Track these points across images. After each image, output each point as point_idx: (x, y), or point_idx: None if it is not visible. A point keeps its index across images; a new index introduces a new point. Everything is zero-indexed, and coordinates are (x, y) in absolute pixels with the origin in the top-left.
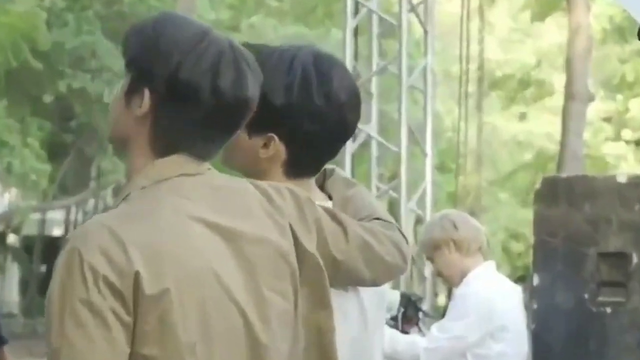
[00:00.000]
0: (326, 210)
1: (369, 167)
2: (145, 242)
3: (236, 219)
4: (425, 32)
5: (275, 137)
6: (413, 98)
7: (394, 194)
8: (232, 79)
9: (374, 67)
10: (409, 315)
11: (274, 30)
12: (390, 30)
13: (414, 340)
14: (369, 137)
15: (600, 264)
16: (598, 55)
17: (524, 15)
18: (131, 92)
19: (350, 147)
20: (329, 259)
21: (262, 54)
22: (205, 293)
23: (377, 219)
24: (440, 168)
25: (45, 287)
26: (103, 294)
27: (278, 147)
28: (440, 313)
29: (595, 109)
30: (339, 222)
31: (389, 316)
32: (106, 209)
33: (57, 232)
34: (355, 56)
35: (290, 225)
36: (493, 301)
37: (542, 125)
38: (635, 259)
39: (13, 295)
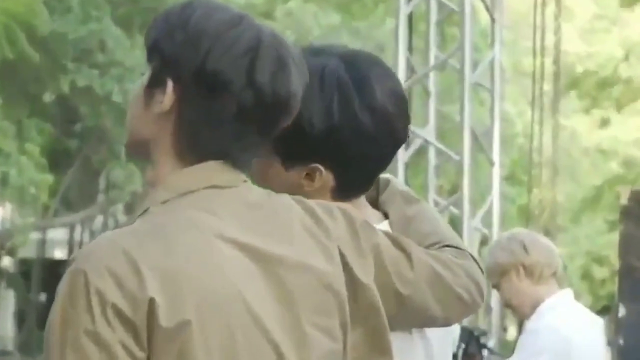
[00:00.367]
0: (386, 234)
1: (426, 178)
2: (162, 265)
3: (274, 242)
4: (493, 20)
5: (320, 167)
6: (478, 97)
7: (455, 210)
8: (271, 71)
9: (432, 61)
10: (470, 353)
11: (314, 18)
12: (451, 18)
13: None
14: (425, 143)
15: None
16: None
17: (609, 0)
18: (152, 85)
19: (403, 154)
20: (391, 293)
21: None
22: (232, 326)
23: (448, 245)
24: (510, 180)
25: (45, 318)
26: (112, 324)
27: (324, 177)
28: (510, 350)
29: None
30: (402, 249)
31: None
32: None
33: (59, 254)
34: (410, 48)
35: (340, 250)
36: (570, 337)
37: (630, 131)
38: None
39: (8, 328)
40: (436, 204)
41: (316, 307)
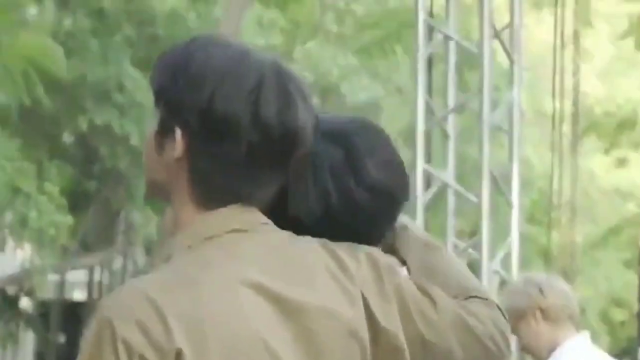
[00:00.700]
0: (410, 278)
1: (445, 220)
2: (188, 315)
3: (297, 287)
4: (512, 61)
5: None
6: (497, 139)
7: (474, 253)
8: (277, 107)
9: (451, 103)
10: None
11: (333, 60)
12: (470, 60)
13: None
14: (444, 185)
15: None
16: None
17: (627, 41)
18: (162, 132)
19: (422, 196)
20: (415, 337)
21: None
22: None
23: (474, 296)
24: (530, 221)
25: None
26: None
27: None
28: None
29: None
30: (426, 293)
31: None
32: (136, 269)
33: (78, 296)
34: (429, 90)
35: (363, 295)
36: None
37: None
38: None
39: None
40: (455, 246)
41: (340, 354)
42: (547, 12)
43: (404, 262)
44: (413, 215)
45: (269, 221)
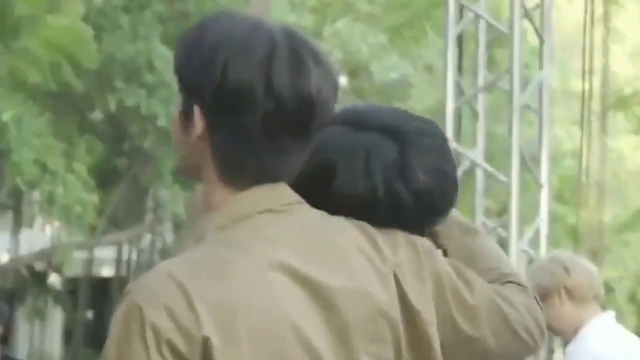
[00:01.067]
0: (449, 262)
1: (474, 199)
2: (216, 302)
3: (328, 269)
4: (542, 41)
5: None
6: (526, 119)
7: (503, 232)
8: (289, 74)
9: (481, 82)
10: None
11: (362, 38)
12: (500, 39)
13: None
14: (473, 165)
15: None
16: None
17: None
18: (184, 112)
19: None
20: (448, 321)
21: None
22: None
23: (511, 282)
24: (558, 200)
25: (92, 336)
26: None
27: None
28: None
29: None
30: (464, 278)
31: None
32: (164, 247)
33: (106, 272)
34: (459, 69)
35: (396, 276)
36: None
37: None
38: None
39: (55, 346)
40: (484, 225)
41: (371, 335)
42: None
43: (440, 246)
44: None
45: (301, 199)
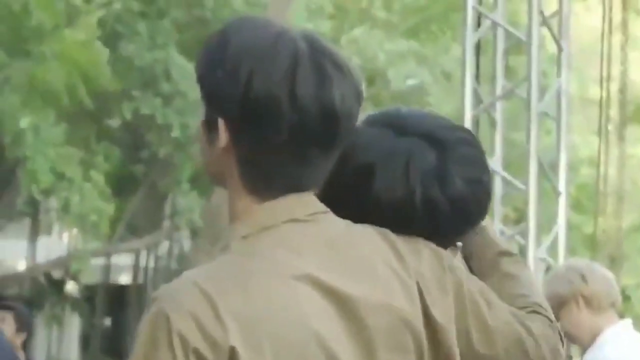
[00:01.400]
0: (473, 279)
1: (492, 207)
2: (242, 312)
3: (353, 280)
4: (560, 48)
5: None
6: (544, 126)
7: (521, 240)
8: (313, 84)
9: (499, 90)
10: None
11: (380, 46)
12: (518, 47)
13: None
14: (492, 173)
15: None
16: None
17: None
18: (208, 123)
19: None
20: (464, 337)
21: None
22: None
23: (538, 312)
24: (576, 208)
25: (110, 343)
26: None
27: None
28: None
29: None
30: (487, 300)
31: None
32: (182, 254)
33: (124, 280)
34: (477, 77)
35: (419, 287)
36: None
37: None
38: None
39: (72, 353)
40: (502, 233)
41: (394, 346)
42: None
43: (470, 268)
44: None
45: (327, 209)
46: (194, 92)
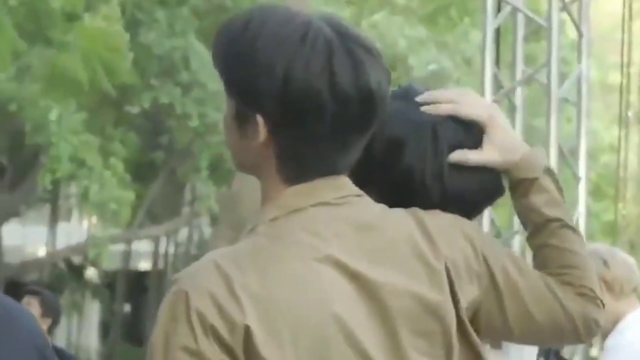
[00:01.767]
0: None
1: None
2: (258, 292)
3: (377, 265)
4: (580, 34)
5: None
6: (565, 112)
7: None
8: (350, 71)
9: (519, 76)
10: None
11: (400, 31)
12: (538, 33)
13: None
14: None
15: None
16: None
17: None
18: (241, 120)
19: None
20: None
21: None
22: (331, 351)
23: (584, 286)
24: (596, 194)
25: (130, 330)
26: (212, 345)
27: None
28: None
29: None
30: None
31: None
32: (202, 240)
33: (143, 266)
34: (497, 62)
35: (448, 273)
36: None
37: None
38: None
39: (92, 339)
40: None
41: (418, 331)
42: None
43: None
44: None
45: (360, 192)
46: (213, 82)
